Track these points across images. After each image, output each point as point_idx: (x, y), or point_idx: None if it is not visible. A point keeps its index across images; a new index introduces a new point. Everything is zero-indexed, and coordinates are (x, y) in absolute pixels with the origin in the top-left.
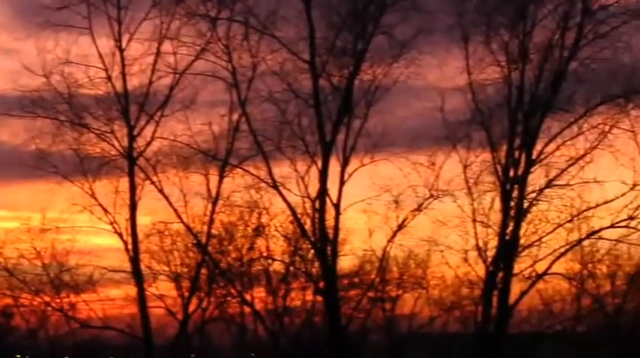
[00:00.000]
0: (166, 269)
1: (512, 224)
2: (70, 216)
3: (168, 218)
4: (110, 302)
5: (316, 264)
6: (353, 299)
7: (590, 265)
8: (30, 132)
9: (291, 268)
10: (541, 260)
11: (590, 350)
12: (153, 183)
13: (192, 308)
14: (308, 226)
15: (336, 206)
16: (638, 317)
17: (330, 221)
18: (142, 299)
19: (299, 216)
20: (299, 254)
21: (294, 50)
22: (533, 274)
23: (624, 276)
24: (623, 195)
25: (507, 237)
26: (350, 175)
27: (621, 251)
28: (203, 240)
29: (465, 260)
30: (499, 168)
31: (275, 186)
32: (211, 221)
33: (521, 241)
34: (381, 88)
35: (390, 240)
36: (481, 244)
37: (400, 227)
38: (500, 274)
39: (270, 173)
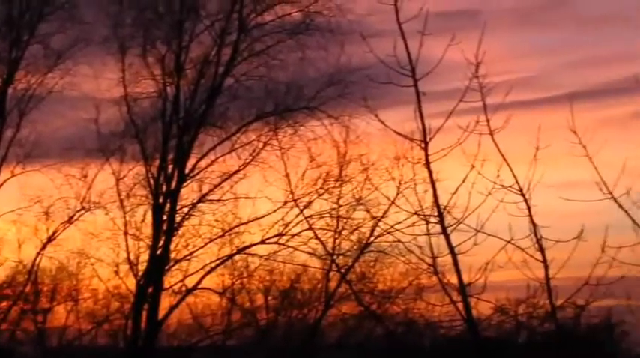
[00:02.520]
0: None
1: (163, 238)
2: None
3: None
4: None
5: None
6: (2, 310)
7: (242, 280)
8: None
9: None
10: (192, 274)
11: None
12: None
13: None
14: None
15: None
16: (289, 330)
17: None
18: None
19: None
20: None
21: None
22: (183, 288)
23: (277, 291)
24: (274, 211)
25: (158, 251)
26: (1, 185)
27: (274, 266)
28: None
29: (116, 273)
30: (152, 181)
31: None
32: None
33: (172, 255)
34: (36, 98)
35: (40, 252)
36: (132, 257)
37: (50, 239)
38: (151, 288)
39: None
